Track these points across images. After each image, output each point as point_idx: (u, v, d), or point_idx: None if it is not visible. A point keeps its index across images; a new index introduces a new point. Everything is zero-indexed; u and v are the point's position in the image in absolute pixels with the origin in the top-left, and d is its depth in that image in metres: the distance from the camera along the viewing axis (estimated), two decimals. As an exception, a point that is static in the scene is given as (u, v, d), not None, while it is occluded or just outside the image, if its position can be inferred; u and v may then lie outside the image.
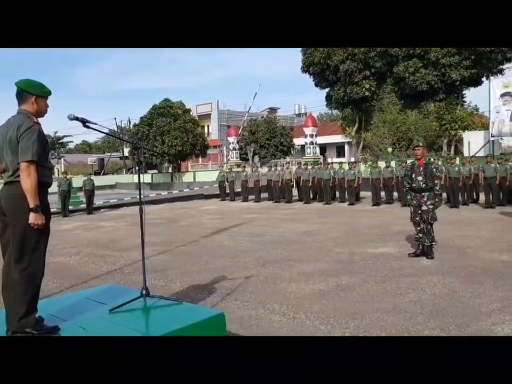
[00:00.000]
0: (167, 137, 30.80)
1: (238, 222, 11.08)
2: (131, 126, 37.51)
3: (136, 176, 3.62)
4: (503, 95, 18.71)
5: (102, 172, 41.60)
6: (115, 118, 47.58)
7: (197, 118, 36.99)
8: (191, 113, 34.77)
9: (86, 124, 2.93)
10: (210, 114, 47.13)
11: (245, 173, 18.55)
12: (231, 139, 31.40)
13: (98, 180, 28.65)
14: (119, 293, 3.57)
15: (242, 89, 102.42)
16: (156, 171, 38.05)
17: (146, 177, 34.08)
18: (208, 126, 48.07)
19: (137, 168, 31.45)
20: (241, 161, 30.38)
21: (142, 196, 3.28)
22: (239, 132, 31.94)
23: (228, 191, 18.96)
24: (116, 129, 42.12)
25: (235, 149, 31.17)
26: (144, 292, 3.23)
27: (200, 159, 41.05)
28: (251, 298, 4.72)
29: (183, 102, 33.89)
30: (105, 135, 34.01)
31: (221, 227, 10.31)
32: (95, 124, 3.01)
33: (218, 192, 19.35)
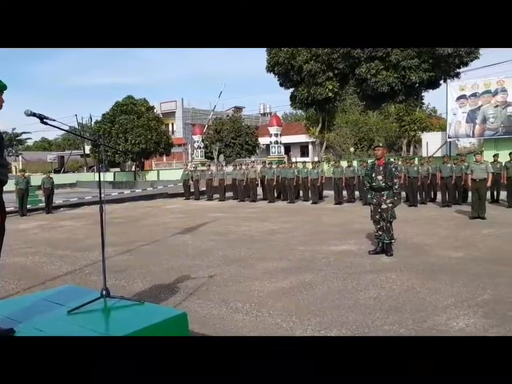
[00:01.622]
0: (130, 135, 30.26)
1: (203, 221, 11.03)
2: (92, 123, 36.64)
3: (97, 175, 3.51)
4: (459, 97, 19.44)
5: (62, 170, 40.43)
6: (76, 115, 46.37)
7: (161, 116, 36.55)
8: (155, 110, 34.32)
9: (44, 120, 2.83)
10: (175, 112, 46.60)
11: (209, 172, 18.47)
12: (196, 137, 31.19)
13: (58, 178, 27.82)
14: (78, 293, 3.47)
15: (208, 88, 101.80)
16: (118, 169, 37.30)
17: (108, 176, 33.39)
18: (172, 124, 47.52)
19: (98, 166, 30.71)
20: (206, 160, 30.22)
21: (102, 195, 3.21)
22: (204, 131, 31.78)
23: (192, 190, 18.83)
24: (76, 126, 41.00)
25: (200, 148, 30.99)
26: (104, 292, 3.16)
27: (164, 158, 40.53)
28: (214, 297, 4.71)
29: (147, 100, 33.42)
30: (65, 132, 33.08)
31: (185, 226, 10.23)
32: (54, 120, 2.92)
33: (183, 191, 19.18)
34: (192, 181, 18.70)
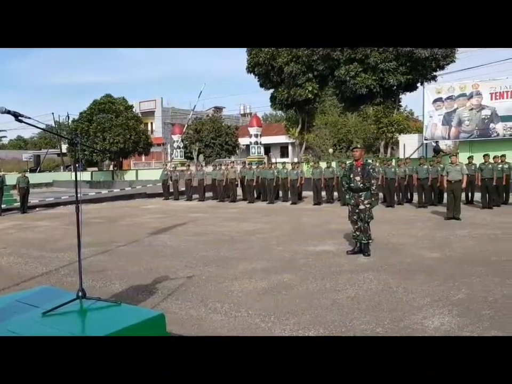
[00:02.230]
0: (108, 134, 29.85)
1: (182, 221, 10.96)
2: (70, 122, 36.02)
3: (74, 174, 3.45)
4: (435, 100, 19.79)
5: (38, 169, 39.60)
6: (52, 113, 45.56)
7: (140, 115, 36.16)
8: (134, 110, 33.94)
9: (19, 118, 2.76)
10: (154, 111, 46.21)
11: (189, 172, 18.37)
12: (176, 137, 30.94)
13: (34, 178, 27.29)
14: (53, 295, 3.41)
15: (188, 88, 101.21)
16: (96, 169, 36.76)
17: (86, 175, 32.90)
18: (151, 123, 47.10)
19: (75, 165, 30.28)
20: (185, 160, 30.02)
21: (79, 194, 3.16)
22: (184, 130, 31.56)
23: (171, 190, 18.69)
24: (53, 124, 40.26)
25: (179, 148, 30.75)
26: (80, 293, 3.11)
27: (143, 157, 40.16)
28: (193, 298, 4.69)
29: (126, 98, 33.03)
30: (41, 130, 32.48)
31: (163, 226, 10.15)
32: (29, 118, 2.86)
33: (162, 191, 19.03)
34: (171, 181, 18.56)
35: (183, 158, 30.75)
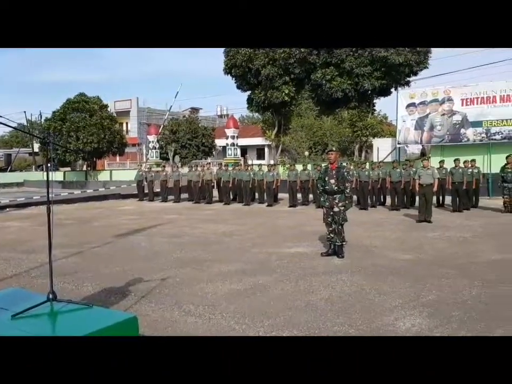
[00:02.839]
0: (82, 134, 29.31)
1: (156, 223, 10.85)
2: (42, 121, 35.21)
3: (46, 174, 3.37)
4: (408, 105, 20.16)
5: (9, 168, 38.58)
6: (24, 112, 44.39)
7: (115, 115, 35.64)
8: (108, 109, 33.42)
9: (-12, 116, 2.69)
10: (130, 111, 45.59)
11: (164, 173, 18.19)
12: (151, 138, 30.64)
13: (5, 177, 26.62)
14: (23, 297, 3.33)
15: (164, 88, 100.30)
16: (69, 169, 36.04)
17: (58, 175, 32.23)
18: (127, 123, 46.46)
19: (47, 165, 29.54)
20: (161, 161, 29.75)
21: (51, 195, 3.10)
22: (160, 131, 31.27)
23: (146, 190, 18.48)
24: (25, 123, 39.28)
25: (155, 148, 30.46)
26: (51, 296, 3.04)
27: (117, 157, 39.57)
28: (167, 301, 4.64)
29: (100, 98, 32.49)
30: (13, 129, 31.65)
31: (138, 228, 10.03)
32: (0, 116, 2.78)
33: (136, 192, 18.79)
34: (146, 181, 18.34)
35: (158, 158, 30.47)
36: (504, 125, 18.03)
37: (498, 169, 12.58)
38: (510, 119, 17.91)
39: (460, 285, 5.11)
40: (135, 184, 18.87)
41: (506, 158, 12.15)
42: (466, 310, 4.21)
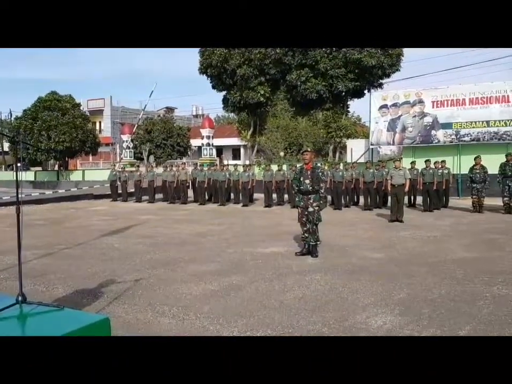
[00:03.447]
0: (53, 133, 28.68)
1: (130, 224, 10.71)
2: (13, 119, 34.27)
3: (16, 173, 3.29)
4: (381, 107, 20.52)
5: (-24, 167, 37.42)
6: (-7, 109, 43.13)
7: (88, 114, 35.03)
8: (81, 108, 32.83)
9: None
10: (103, 110, 44.96)
11: (138, 173, 17.98)
12: (125, 137, 30.21)
13: (-29, 177, 25.74)
14: (-10, 300, 3.23)
15: (138, 87, 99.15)
16: (40, 168, 35.21)
17: (29, 175, 31.48)
18: (100, 122, 45.78)
19: (16, 164, 28.77)
20: (135, 161, 29.39)
21: (20, 195, 3.02)
22: (134, 130, 30.87)
23: (120, 191, 18.22)
24: (-6, 121, 38.16)
25: (129, 148, 30.05)
26: (20, 298, 2.97)
27: (90, 157, 38.90)
28: (140, 302, 4.59)
29: (73, 96, 31.87)
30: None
31: (111, 229, 9.88)
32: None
33: (110, 192, 18.51)
34: (120, 181, 18.09)
35: (132, 158, 30.08)
36: (473, 127, 18.55)
37: (467, 170, 12.92)
38: (479, 121, 18.43)
39: (430, 282, 5.22)
40: (109, 185, 18.58)
41: (475, 159, 12.50)
42: (435, 308, 4.31)
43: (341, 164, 17.73)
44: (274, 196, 15.38)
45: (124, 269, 6.03)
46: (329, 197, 13.38)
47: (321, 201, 6.84)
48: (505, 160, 12.26)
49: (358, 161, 19.86)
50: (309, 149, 7.22)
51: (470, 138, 18.58)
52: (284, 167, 17.27)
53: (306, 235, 6.82)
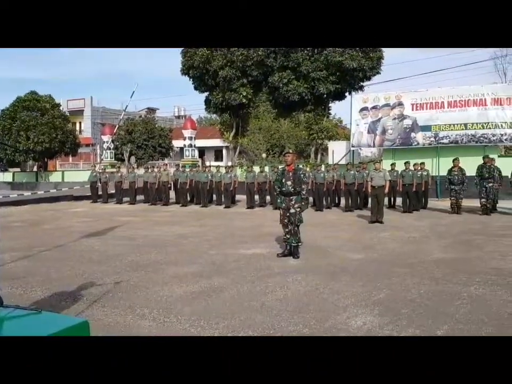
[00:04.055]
0: (32, 133, 28.17)
1: (111, 225, 10.59)
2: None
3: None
4: (362, 109, 20.70)
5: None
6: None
7: (68, 114, 34.52)
8: (61, 108, 32.33)
9: None
10: (83, 110, 44.37)
11: (119, 174, 17.79)
12: (106, 138, 29.82)
13: None
14: (-35, 305, 3.15)
15: (119, 87, 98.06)
16: (18, 169, 34.53)
17: (7, 176, 30.88)
18: (80, 123, 45.16)
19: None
20: (116, 162, 29.05)
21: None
22: (115, 131, 30.45)
23: (100, 192, 17.99)
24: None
25: (110, 149, 29.69)
26: (-5, 302, 2.91)
27: (70, 158, 38.33)
28: (120, 304, 4.54)
29: (52, 96, 31.36)
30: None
31: (91, 231, 9.74)
32: None
33: (90, 194, 18.26)
34: (100, 183, 17.87)
35: (113, 159, 29.75)
36: (451, 130, 18.86)
37: (446, 171, 13.15)
38: (457, 124, 18.76)
39: (409, 283, 5.29)
40: (89, 186, 18.33)
41: (453, 161, 12.72)
42: (414, 308, 4.37)
43: (322, 166, 17.84)
44: (256, 197, 15.40)
45: (104, 271, 5.96)
46: (310, 199, 13.44)
47: (302, 203, 6.87)
48: (482, 162, 12.55)
49: (339, 163, 20.00)
50: (290, 151, 7.25)
51: (449, 141, 18.89)
52: (266, 168, 17.32)
53: (288, 236, 6.84)
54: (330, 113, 29.17)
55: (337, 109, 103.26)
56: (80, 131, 43.42)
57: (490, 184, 12.20)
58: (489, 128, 18.31)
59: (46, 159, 31.95)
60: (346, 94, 26.13)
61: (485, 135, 18.38)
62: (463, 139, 18.67)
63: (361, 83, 25.60)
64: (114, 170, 19.58)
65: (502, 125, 18.19)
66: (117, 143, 31.21)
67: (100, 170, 19.10)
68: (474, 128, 18.51)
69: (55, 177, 30.90)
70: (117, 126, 31.37)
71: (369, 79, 25.42)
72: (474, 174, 12.55)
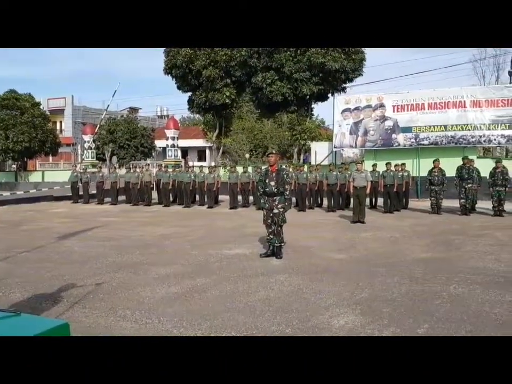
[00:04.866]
0: (11, 132, 27.66)
1: (92, 226, 10.45)
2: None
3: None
4: (344, 110, 20.84)
5: None
6: None
7: (48, 113, 33.98)
8: (41, 107, 31.79)
9: None
10: (64, 109, 43.70)
11: (101, 174, 17.58)
12: (87, 137, 29.47)
13: None
14: None
15: (101, 86, 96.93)
16: (-3, 169, 33.86)
17: (-15, 176, 30.16)
18: (61, 122, 44.50)
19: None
20: (97, 162, 28.70)
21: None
22: (96, 130, 30.13)
23: (81, 192, 17.76)
24: None
25: (91, 148, 29.34)
26: (-28, 305, 2.85)
27: (50, 158, 37.72)
28: (101, 306, 4.48)
29: (32, 95, 30.82)
30: None
31: (71, 231, 9.60)
32: None
33: (70, 194, 18.00)
34: (81, 183, 17.64)
35: (94, 159, 29.40)
36: (432, 131, 19.16)
37: (426, 172, 13.34)
38: (437, 125, 19.04)
39: (390, 282, 5.36)
40: (69, 186, 18.07)
41: (433, 162, 12.93)
42: (395, 307, 4.43)
43: (305, 166, 17.93)
44: (239, 197, 15.39)
45: (85, 273, 5.88)
46: (293, 199, 13.50)
47: (286, 203, 6.89)
48: (461, 163, 12.76)
49: (321, 164, 20.11)
50: (274, 151, 7.26)
51: (429, 142, 19.18)
52: (249, 169, 17.30)
53: (271, 236, 6.85)
54: (313, 114, 29.33)
55: (320, 110, 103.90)
56: (61, 130, 42.81)
57: (470, 185, 12.40)
58: (468, 129, 18.64)
59: (25, 159, 31.41)
60: (329, 95, 26.35)
61: (464, 137, 18.71)
62: (443, 140, 18.97)
63: (344, 84, 25.85)
64: (95, 170, 19.35)
65: (480, 127, 18.54)
66: (99, 142, 30.84)
67: (81, 170, 18.85)
68: (454, 130, 18.82)
69: (35, 177, 30.36)
70: (99, 125, 31.09)
71: (351, 80, 25.67)
72: (454, 175, 12.75)
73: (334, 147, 21.41)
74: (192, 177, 15.63)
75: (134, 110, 48.62)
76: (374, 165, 14.33)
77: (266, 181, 6.87)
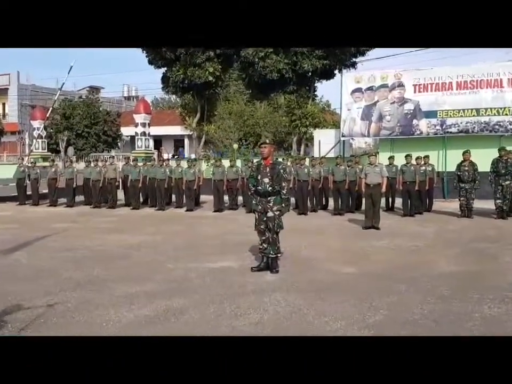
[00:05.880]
0: None
1: (43, 234, 10.41)
2: None
3: None
4: (354, 91, 20.67)
5: None
6: None
7: (-12, 93, 33.81)
8: (-21, 86, 31.62)
9: None
10: (8, 89, 43.49)
11: (54, 169, 17.52)
12: (36, 124, 29.34)
13: None
14: None
15: (54, 61, 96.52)
16: None
17: None
18: (4, 104, 44.32)
19: None
20: (49, 154, 28.60)
21: None
22: (48, 115, 30.00)
23: (29, 191, 17.69)
24: None
25: (41, 137, 29.22)
26: None
27: (-9, 149, 37.53)
28: (54, 332, 4.47)
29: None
30: None
31: (18, 240, 9.56)
32: None
33: (16, 193, 17.92)
34: (29, 180, 17.59)
35: (46, 150, 29.32)
36: (461, 116, 18.98)
37: (454, 167, 13.34)
38: (467, 109, 18.88)
39: (410, 301, 5.39)
40: (15, 184, 18.01)
41: (463, 154, 12.94)
42: (416, 331, 4.45)
43: (307, 159, 17.97)
44: (225, 198, 15.40)
45: (34, 291, 5.87)
46: (292, 199, 13.53)
47: (283, 205, 6.90)
48: (497, 155, 12.77)
49: (326, 156, 20.15)
50: (267, 141, 7.26)
51: (458, 130, 19.09)
52: (238, 162, 17.33)
53: (265, 246, 6.86)
54: (316, 95, 29.43)
55: (324, 90, 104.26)
56: (4, 115, 42.60)
57: (507, 182, 12.38)
58: (506, 114, 18.54)
59: (-41, 150, 31.23)
60: (336, 71, 26.35)
61: (501, 123, 18.67)
62: (474, 127, 18.94)
63: (354, 59, 25.85)
64: (47, 164, 19.30)
65: (521, 111, 18.55)
66: (51, 130, 30.75)
67: (29, 164, 18.77)
68: (488, 114, 18.79)
69: (-29, 172, 30.18)
70: (51, 108, 30.96)
71: (363, 54, 25.67)
72: (488, 170, 12.78)
73: (342, 136, 21.39)
74: (168, 173, 15.61)
75: (95, 89, 48.48)
76: (391, 158, 14.36)
77: (259, 178, 6.87)
